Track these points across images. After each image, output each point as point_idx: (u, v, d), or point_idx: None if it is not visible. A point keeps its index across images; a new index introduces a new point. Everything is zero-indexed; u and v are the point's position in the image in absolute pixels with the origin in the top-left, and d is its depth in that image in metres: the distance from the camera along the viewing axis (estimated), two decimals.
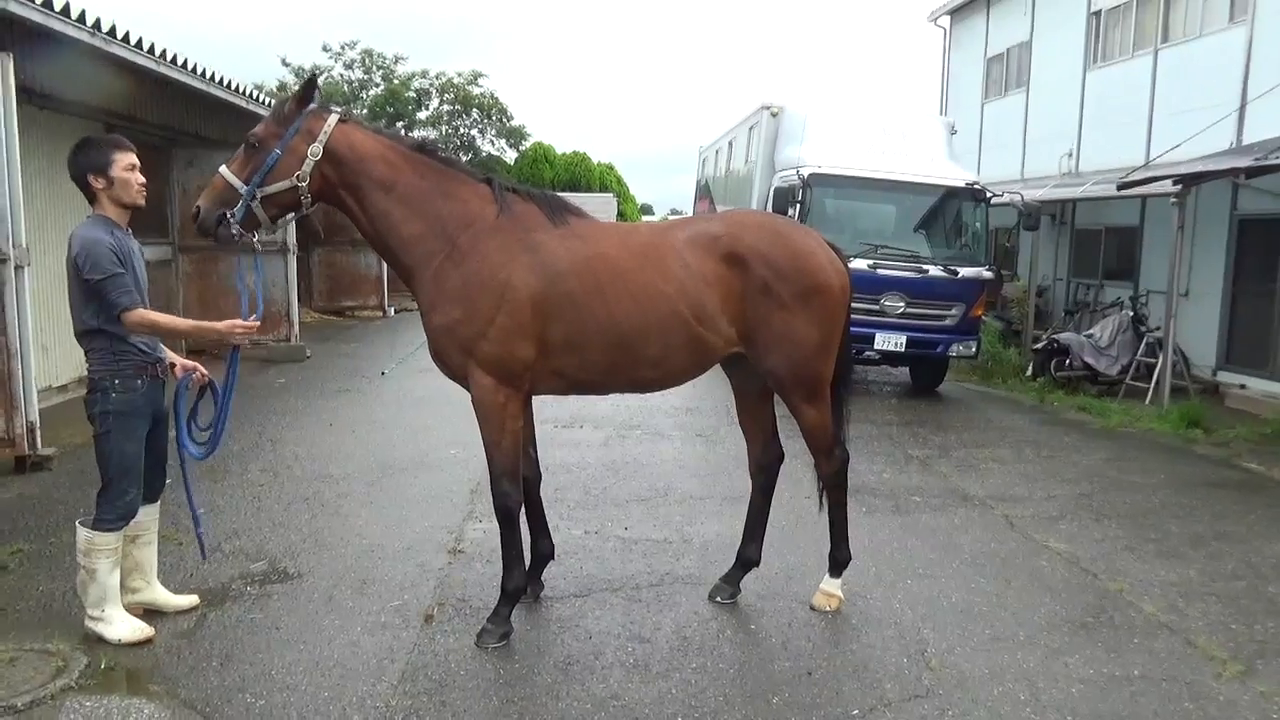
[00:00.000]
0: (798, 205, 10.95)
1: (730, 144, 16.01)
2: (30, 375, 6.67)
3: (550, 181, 36.45)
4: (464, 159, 35.74)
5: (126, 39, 8.07)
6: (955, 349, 11.15)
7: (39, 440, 6.78)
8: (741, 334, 4.30)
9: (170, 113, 11.48)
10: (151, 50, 8.58)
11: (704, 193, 18.83)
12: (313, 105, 4.15)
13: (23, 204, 6.63)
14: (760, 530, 4.84)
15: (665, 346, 4.17)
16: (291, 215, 4.20)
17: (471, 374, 4.06)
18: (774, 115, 12.90)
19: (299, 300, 14.01)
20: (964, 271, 11.06)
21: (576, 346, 4.10)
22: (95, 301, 3.95)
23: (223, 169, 4.06)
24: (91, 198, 4.06)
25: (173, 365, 4.29)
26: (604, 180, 38.24)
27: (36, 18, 6.72)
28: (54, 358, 9.36)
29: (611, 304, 4.09)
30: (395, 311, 19.59)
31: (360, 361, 12.77)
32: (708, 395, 10.31)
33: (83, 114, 9.71)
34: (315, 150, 4.05)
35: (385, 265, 19.42)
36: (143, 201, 4.09)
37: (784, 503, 6.15)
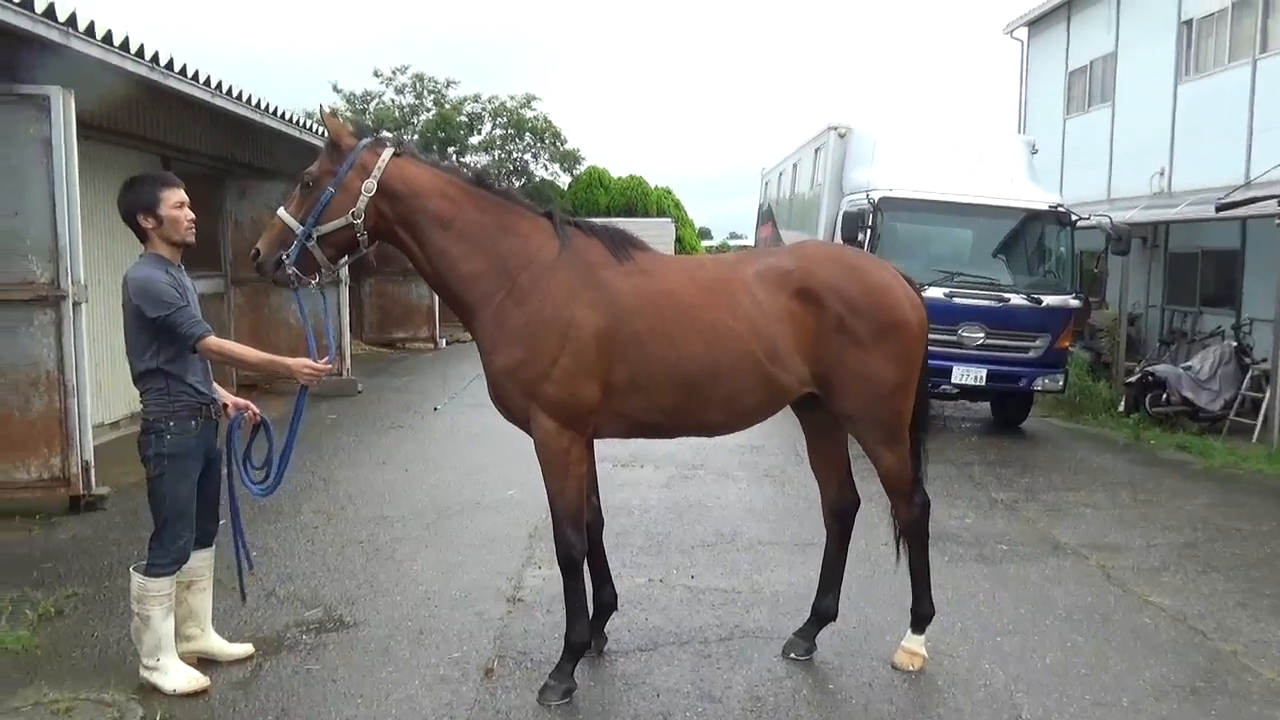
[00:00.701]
0: (868, 231, 10.88)
1: (795, 166, 15.99)
2: (86, 413, 6.89)
3: (605, 207, 36.73)
4: (517, 184, 36.33)
5: (183, 71, 8.38)
6: (1040, 383, 10.92)
7: (93, 480, 6.99)
8: (815, 373, 4.27)
9: (222, 143, 11.87)
10: (207, 82, 8.89)
11: (767, 217, 18.81)
12: (367, 139, 4.24)
13: (81, 238, 6.87)
14: (836, 581, 4.77)
15: (735, 387, 4.16)
16: (351, 255, 4.28)
17: (534, 417, 4.08)
18: (841, 136, 12.86)
19: (349, 331, 14.27)
20: (1048, 299, 10.85)
21: (642, 388, 4.11)
22: (158, 340, 4.07)
23: (280, 211, 4.18)
24: (142, 237, 4.20)
25: (225, 405, 4.38)
26: (661, 205, 38.40)
27: (96, 53, 7.01)
28: (106, 394, 9.67)
29: (679, 343, 4.09)
30: (447, 343, 19.87)
31: (412, 396, 12.96)
32: (774, 432, 10.23)
33: (137, 146, 10.09)
34: (369, 186, 4.13)
35: (436, 295, 20.03)
36: (193, 239, 4.22)
37: (860, 551, 6.05)
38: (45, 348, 6.76)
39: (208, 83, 8.90)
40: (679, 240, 36.39)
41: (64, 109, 6.61)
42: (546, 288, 4.10)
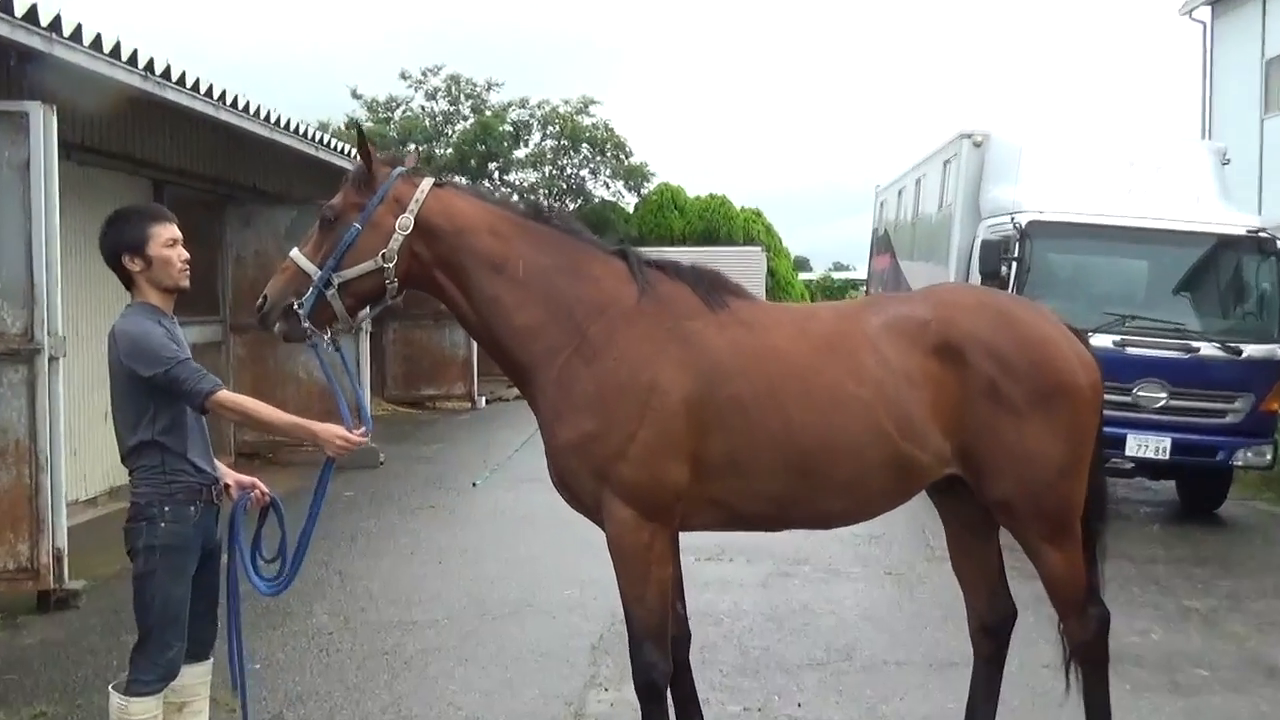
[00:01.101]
0: (1013, 263, 10.76)
1: (918, 182, 15.95)
2: (61, 490, 7.10)
3: (680, 233, 36.95)
4: (570, 207, 36.79)
5: (181, 80, 8.74)
6: (1241, 456, 10.58)
7: (66, 571, 7.17)
8: (959, 450, 4.23)
9: (224, 162, 12.30)
10: (208, 92, 9.25)
11: (883, 245, 18.76)
12: (401, 168, 4.35)
13: (60, 281, 7.13)
14: (988, 715, 4.68)
15: (859, 468, 4.14)
16: (374, 307, 4.38)
17: (607, 505, 4.09)
18: (977, 145, 12.80)
19: (369, 388, 14.52)
20: (1250, 349, 10.56)
21: (742, 468, 4.10)
22: (155, 405, 4.15)
23: (294, 252, 4.29)
24: (128, 282, 4.31)
25: (227, 486, 4.46)
26: (749, 230, 38.50)
27: (83, 62, 7.36)
28: (82, 464, 9.95)
29: (788, 412, 4.09)
30: (487, 402, 20.11)
31: (445, 468, 13.09)
32: (897, 515, 10.02)
33: (124, 168, 10.51)
34: (405, 223, 4.22)
35: (473, 343, 20.36)
36: (187, 283, 4.32)
37: (1014, 672, 5.87)
38: (15, 411, 7.00)
39: (209, 93, 9.27)
40: (771, 273, 36.39)
41: (45, 128, 6.91)
42: (623, 343, 4.13)
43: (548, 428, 4.21)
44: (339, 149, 13.45)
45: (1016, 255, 10.75)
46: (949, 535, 4.74)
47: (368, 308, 4.37)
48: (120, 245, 4.25)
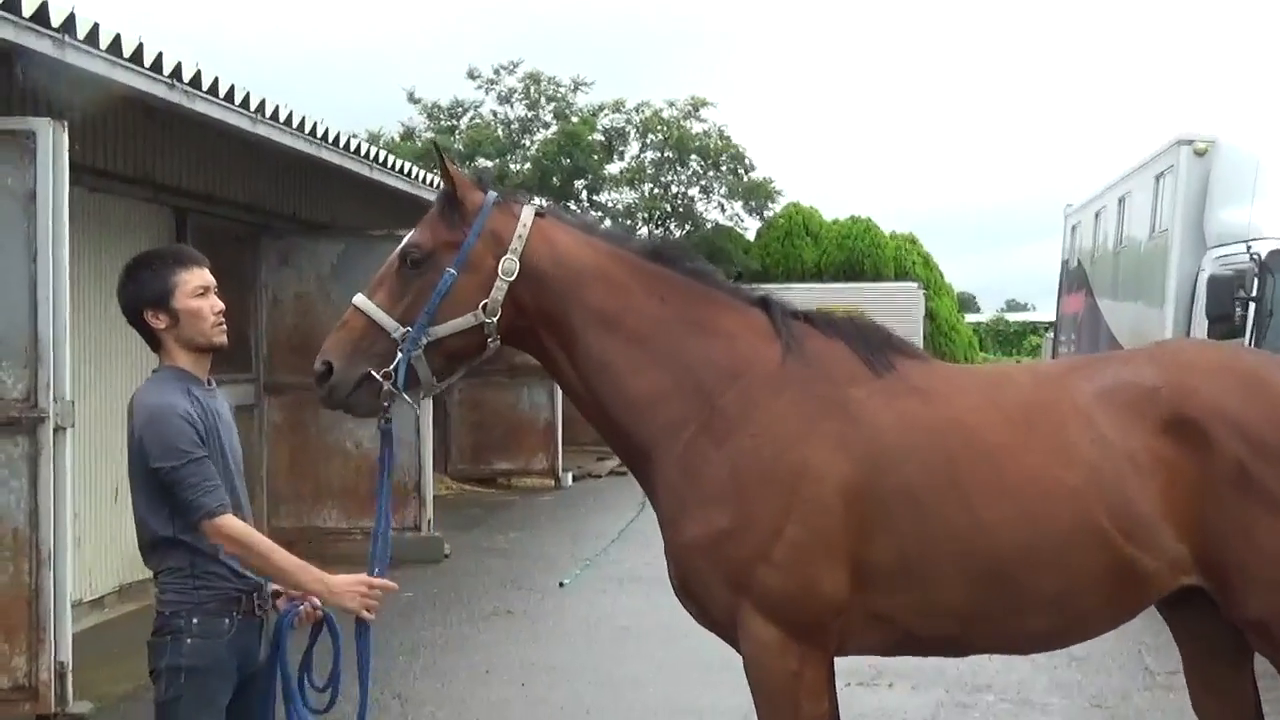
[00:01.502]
0: (1250, 305, 10.52)
1: (1121, 201, 15.71)
2: (65, 592, 7.24)
3: (814, 266, 36.93)
4: (677, 234, 36.86)
5: (213, 89, 8.99)
6: None
7: (70, 691, 7.29)
8: (1199, 555, 4.14)
9: (260, 186, 12.63)
10: (245, 103, 9.51)
11: (1075, 280, 18.48)
12: (495, 193, 4.40)
13: (69, 335, 7.33)
14: None
15: (1067, 578, 4.07)
16: (465, 368, 4.43)
17: (745, 622, 4.06)
18: (1200, 154, 12.57)
19: (429, 463, 14.59)
20: None
21: (916, 576, 4.06)
22: (171, 501, 4.20)
23: (362, 300, 4.31)
24: (154, 342, 4.38)
25: (276, 595, 4.48)
26: (901, 260, 38.32)
27: (100, 69, 7.59)
28: (87, 554, 10.16)
29: (976, 505, 4.04)
30: (574, 478, 20.19)
31: (524, 562, 13.13)
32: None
33: (145, 196, 10.84)
34: (509, 266, 4.27)
35: (557, 405, 20.56)
36: (223, 339, 4.37)
37: None
38: (13, 494, 7.20)
39: (245, 103, 9.51)
40: (929, 316, 36.11)
41: (55, 150, 7.14)
42: (764, 416, 4.13)
43: (670, 522, 4.20)
44: (397, 167, 13.68)
45: (1255, 295, 10.52)
46: (1186, 662, 4.63)
47: (458, 369, 4.41)
48: (141, 299, 4.31)
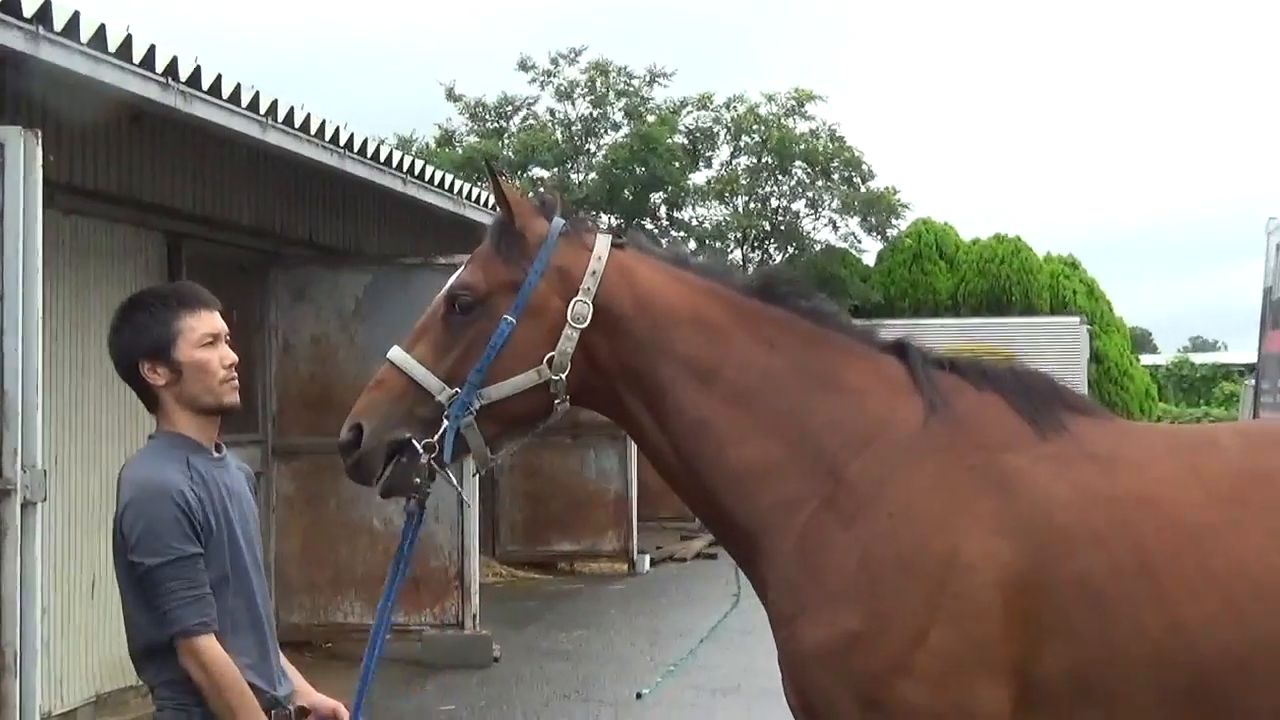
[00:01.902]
0: None
1: None
2: (33, 707, 7.23)
3: (950, 296, 36.75)
4: (777, 258, 36.75)
5: (215, 90, 9.12)
6: None
7: None
8: None
9: (268, 205, 12.77)
10: (254, 105, 9.62)
11: None
12: (560, 221, 4.41)
13: (41, 390, 7.40)
14: None
15: None
16: (523, 436, 4.48)
17: None
18: None
19: (475, 546, 14.57)
20: None
21: (1098, 693, 3.99)
22: (157, 604, 4.21)
23: (399, 355, 4.31)
24: (150, 401, 4.42)
25: (304, 712, 4.50)
26: (1058, 290, 38.04)
27: (80, 66, 7.72)
28: (56, 656, 10.20)
29: (1174, 602, 3.97)
30: (652, 562, 20.13)
31: (592, 668, 13.08)
32: None
33: (131, 218, 10.97)
34: (580, 312, 4.25)
35: (631, 470, 20.52)
36: (235, 399, 4.41)
37: None
38: None
39: (253, 105, 9.65)
40: (1095, 357, 35.81)
41: (26, 165, 7.19)
42: (903, 492, 4.10)
43: (784, 623, 4.16)
44: (436, 180, 13.69)
45: None
46: None
47: (516, 437, 4.46)
48: (137, 348, 4.35)
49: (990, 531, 4.02)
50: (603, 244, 4.35)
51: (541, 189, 33.94)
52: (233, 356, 4.40)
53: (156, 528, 4.12)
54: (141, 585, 4.15)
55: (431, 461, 4.20)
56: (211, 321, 4.37)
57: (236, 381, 4.40)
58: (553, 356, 4.24)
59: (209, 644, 4.13)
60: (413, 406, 4.25)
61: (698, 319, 4.31)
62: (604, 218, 35.62)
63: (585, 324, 4.25)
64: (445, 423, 4.21)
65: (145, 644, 4.28)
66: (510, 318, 4.24)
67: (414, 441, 4.21)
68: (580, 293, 4.26)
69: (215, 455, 4.40)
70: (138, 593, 4.21)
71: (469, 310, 4.29)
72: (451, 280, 4.39)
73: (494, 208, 4.61)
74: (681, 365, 4.28)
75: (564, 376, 4.25)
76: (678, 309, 4.32)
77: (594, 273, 4.28)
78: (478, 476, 13.05)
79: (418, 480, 4.22)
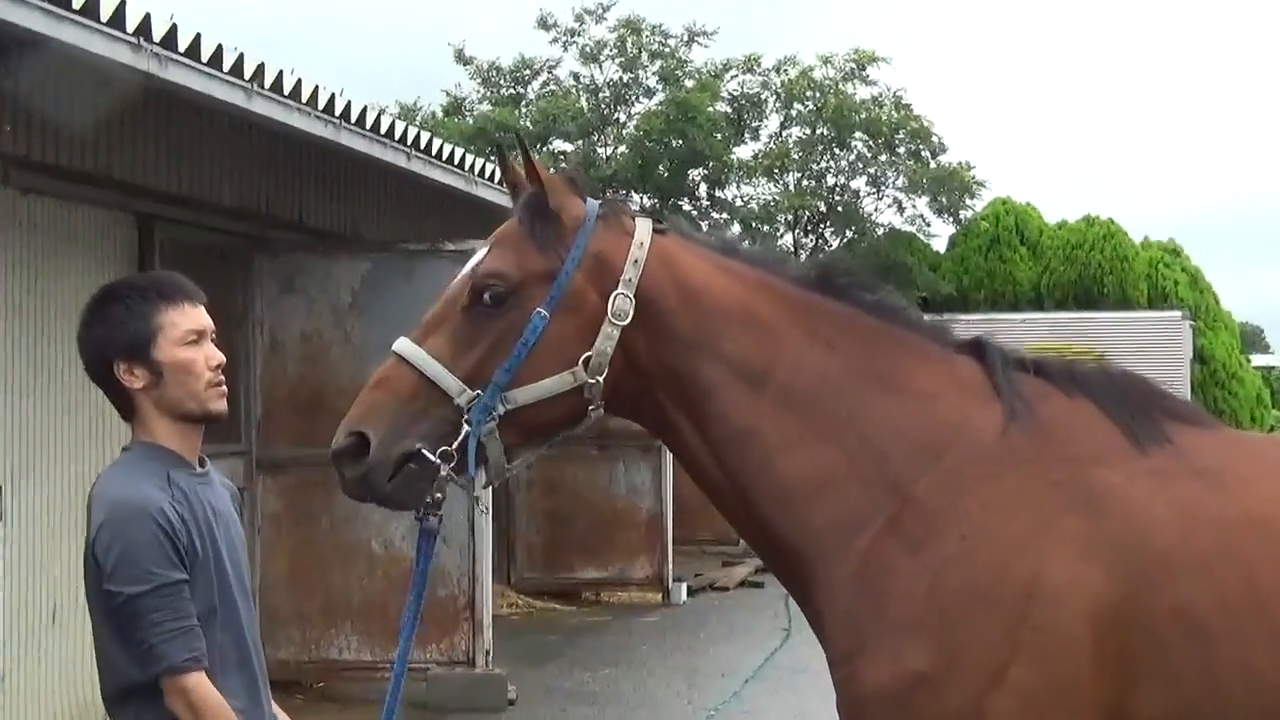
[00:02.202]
0: None
1: None
2: None
3: (1034, 286, 36.61)
4: (835, 243, 36.63)
5: (193, 52, 9.13)
6: None
7: None
8: None
9: (254, 183, 12.78)
10: (237, 70, 9.64)
11: None
12: (598, 204, 4.43)
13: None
14: None
15: None
16: (547, 443, 4.48)
17: None
18: None
19: (488, 573, 14.57)
20: None
21: None
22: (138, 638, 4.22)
23: (409, 348, 4.30)
24: (125, 407, 4.42)
25: None
26: (1157, 280, 37.85)
27: (41, 25, 7.74)
28: (16, 697, 10.24)
29: None
30: (690, 591, 20.11)
31: (621, 711, 13.12)
32: None
33: (98, 198, 10.98)
34: (621, 307, 4.26)
35: (666, 486, 20.52)
36: (222, 405, 4.40)
37: None
38: None
39: (237, 70, 9.66)
40: (1199, 357, 35.65)
41: None
42: (979, 511, 4.10)
43: (842, 660, 4.16)
44: (445, 156, 13.60)
45: None
46: None
47: (540, 445, 4.46)
48: (111, 346, 4.33)
49: (1078, 556, 4.02)
50: (644, 229, 4.37)
51: (564, 164, 33.97)
52: (220, 357, 4.38)
53: (135, 551, 4.09)
54: (119, 617, 4.11)
55: (449, 473, 4.18)
56: (196, 317, 4.35)
57: (224, 386, 4.39)
58: (589, 357, 4.25)
59: (199, 682, 4.11)
60: (426, 409, 4.24)
61: (746, 314, 4.32)
62: (635, 198, 35.60)
63: (627, 321, 4.25)
64: (465, 429, 4.19)
65: (122, 684, 4.25)
66: (544, 311, 4.24)
67: (425, 452, 4.19)
68: (621, 285, 4.27)
69: (198, 470, 4.39)
70: (115, 626, 4.17)
71: (501, 302, 4.27)
72: (474, 265, 4.36)
73: (513, 187, 4.54)
74: (728, 366, 4.29)
75: (600, 381, 4.25)
76: (725, 303, 4.33)
77: (636, 262, 4.29)
78: (490, 490, 13.07)
79: (435, 493, 4.21)
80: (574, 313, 4.26)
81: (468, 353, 4.27)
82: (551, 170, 4.54)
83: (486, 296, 4.28)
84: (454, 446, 4.19)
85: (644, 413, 4.43)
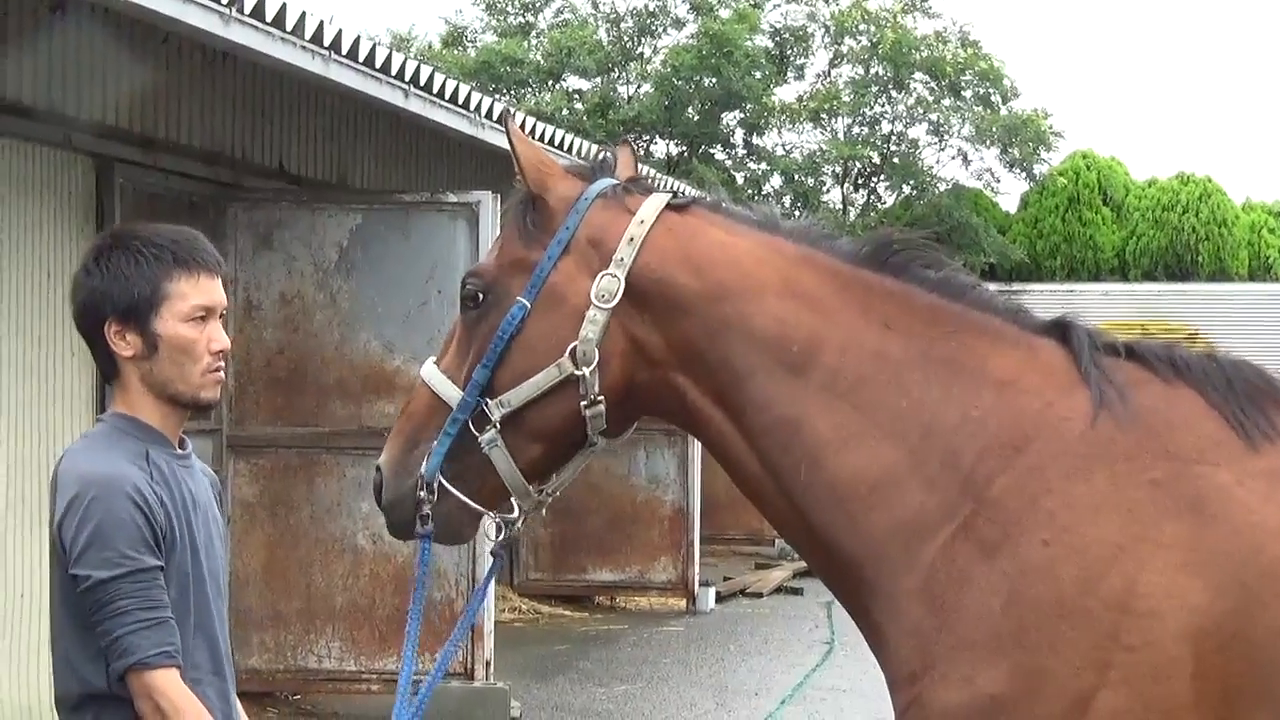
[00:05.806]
0: None
1: None
2: None
3: (1118, 254, 36.59)
4: (891, 200, 36.62)
5: None
6: None
7: None
8: None
9: (227, 123, 12.80)
10: None
11: None
12: (606, 182, 4.46)
13: None
14: None
15: None
16: (574, 461, 4.47)
17: None
18: None
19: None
20: None
21: None
22: (103, 629, 4.22)
23: (429, 370, 4.43)
24: (109, 371, 4.44)
25: None
26: (1261, 247, 37.77)
27: None
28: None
29: None
30: (718, 597, 20.14)
31: None
32: None
33: (52, 139, 11.00)
34: (607, 288, 4.27)
35: (693, 478, 20.53)
36: (215, 395, 4.41)
37: None
38: None
39: None
40: None
41: None
42: (1064, 514, 4.08)
43: (906, 681, 4.15)
44: (448, 94, 13.48)
45: None
46: None
47: (563, 464, 4.46)
48: (107, 303, 4.31)
49: (1178, 566, 4.00)
50: (650, 205, 4.37)
51: (579, 103, 33.92)
52: (224, 341, 4.38)
53: (107, 531, 4.09)
54: (84, 605, 4.12)
55: (458, 501, 4.31)
56: (210, 290, 4.35)
57: (222, 374, 4.40)
58: (577, 347, 4.26)
59: (170, 680, 4.11)
60: (437, 428, 4.36)
61: (787, 289, 4.31)
62: (659, 143, 35.59)
63: (615, 301, 4.26)
64: (435, 441, 4.32)
65: (79, 687, 4.26)
66: (524, 301, 4.30)
67: (420, 477, 4.33)
68: (612, 264, 4.29)
69: (180, 451, 4.40)
70: (77, 617, 4.18)
71: (482, 299, 4.38)
72: (470, 270, 4.55)
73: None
74: (763, 347, 4.28)
75: (592, 370, 4.27)
76: (758, 276, 4.32)
77: (631, 239, 4.30)
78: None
79: (463, 522, 4.38)
80: (559, 300, 4.32)
81: (464, 361, 4.39)
82: (595, 149, 4.55)
83: (470, 297, 4.41)
84: (435, 456, 4.31)
85: (669, 408, 4.44)
